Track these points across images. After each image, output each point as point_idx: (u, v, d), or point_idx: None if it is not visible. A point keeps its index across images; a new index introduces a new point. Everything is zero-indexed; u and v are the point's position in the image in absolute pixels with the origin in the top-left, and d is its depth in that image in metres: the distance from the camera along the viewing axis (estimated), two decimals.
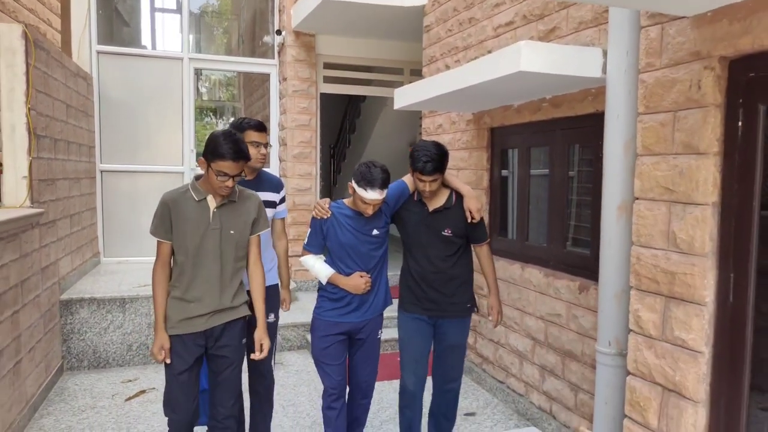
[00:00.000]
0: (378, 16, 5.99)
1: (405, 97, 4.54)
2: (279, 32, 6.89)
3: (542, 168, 4.15)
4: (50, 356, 4.62)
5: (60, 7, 6.63)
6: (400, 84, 7.17)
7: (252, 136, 3.15)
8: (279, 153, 7.32)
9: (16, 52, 4.14)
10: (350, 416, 3.34)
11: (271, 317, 3.28)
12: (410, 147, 3.20)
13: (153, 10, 8.62)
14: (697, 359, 2.00)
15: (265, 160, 3.27)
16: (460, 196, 3.22)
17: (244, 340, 2.94)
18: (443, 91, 3.84)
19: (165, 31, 8.39)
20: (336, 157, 11.39)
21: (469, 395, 4.52)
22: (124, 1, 8.29)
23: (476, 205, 3.16)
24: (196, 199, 2.71)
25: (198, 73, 7.74)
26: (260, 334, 2.90)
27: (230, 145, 2.59)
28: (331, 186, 11.41)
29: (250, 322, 2.96)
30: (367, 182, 2.91)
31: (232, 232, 2.76)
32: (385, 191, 2.98)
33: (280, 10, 7.01)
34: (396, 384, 3.86)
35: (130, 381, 4.79)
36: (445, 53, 5.19)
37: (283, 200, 3.42)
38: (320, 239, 3.12)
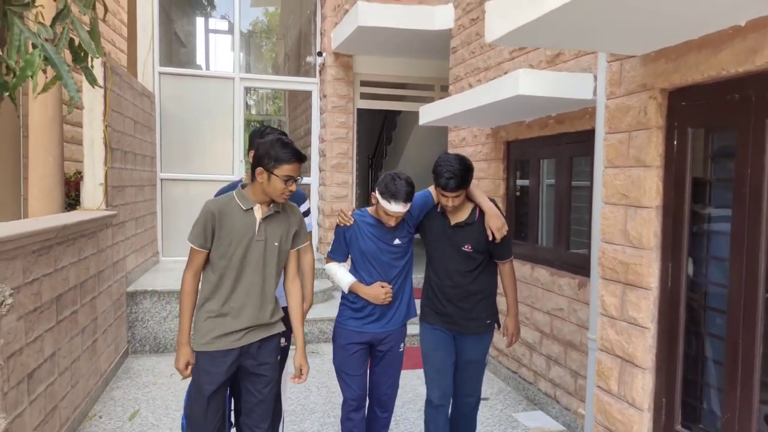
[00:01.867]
0: (409, 38, 6.54)
1: (429, 114, 5.07)
2: (320, 54, 7.54)
3: (550, 178, 4.60)
4: (118, 339, 5.32)
5: (127, 30, 7.47)
6: (431, 99, 7.70)
7: None
8: (319, 163, 7.95)
9: (96, 77, 4.87)
10: (369, 430, 3.29)
11: (282, 341, 3.05)
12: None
13: (207, 31, 9.45)
14: (645, 334, 2.45)
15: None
16: (483, 212, 3.11)
17: (279, 357, 2.85)
18: (460, 110, 4.35)
19: (218, 50, 9.20)
20: (374, 167, 11.98)
21: (485, 383, 4.90)
22: (182, 25, 9.12)
23: (497, 224, 3.02)
24: (243, 208, 2.63)
25: (247, 89, 8.46)
26: (300, 359, 2.77)
27: (290, 149, 2.56)
28: (369, 194, 12.01)
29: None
30: (390, 195, 2.87)
31: (276, 243, 2.67)
32: (409, 204, 2.93)
33: (321, 33, 7.66)
34: (420, 372, 4.29)
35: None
36: (469, 73, 5.69)
37: (305, 214, 3.16)
38: (343, 246, 3.12)
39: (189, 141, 7.65)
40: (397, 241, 3.08)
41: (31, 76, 2.00)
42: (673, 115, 2.35)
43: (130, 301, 5.68)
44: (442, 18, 6.14)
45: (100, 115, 4.90)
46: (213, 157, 7.73)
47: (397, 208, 2.88)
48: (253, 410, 2.74)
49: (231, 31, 8.33)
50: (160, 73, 7.48)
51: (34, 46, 2.05)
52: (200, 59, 9.67)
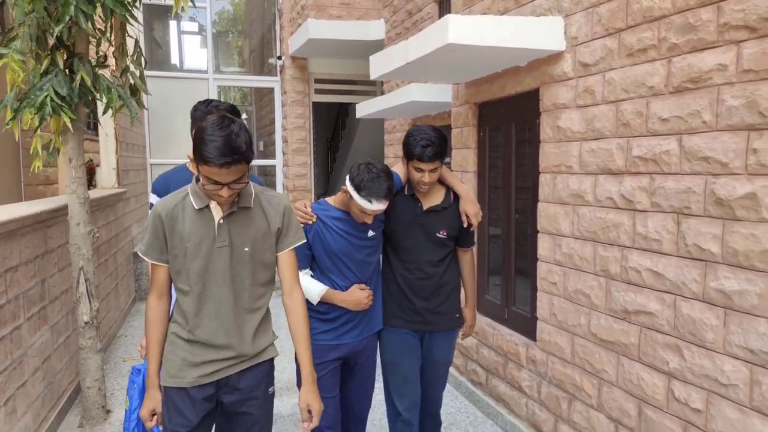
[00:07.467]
0: (352, 45, 8.16)
1: (363, 110, 6.75)
2: (280, 57, 9.11)
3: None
4: (129, 288, 6.92)
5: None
6: (374, 93, 9.37)
7: None
8: (282, 148, 9.56)
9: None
10: None
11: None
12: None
13: (180, 33, 10.90)
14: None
15: None
16: (457, 196, 2.85)
17: (271, 389, 2.25)
18: (381, 108, 6.04)
19: (191, 49, 10.66)
20: (332, 149, 13.62)
21: None
22: (158, 29, 10.55)
23: (474, 209, 2.78)
24: (196, 207, 2.04)
25: (219, 87, 9.99)
26: (306, 395, 2.16)
27: (218, 144, 1.87)
28: (328, 173, 13.66)
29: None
30: (371, 193, 2.41)
31: (246, 249, 2.08)
32: (390, 198, 2.50)
33: (281, 40, 9.22)
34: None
35: None
36: None
37: None
38: (306, 250, 2.54)
39: (171, 131, 9.17)
40: (371, 233, 2.65)
41: (111, 107, 3.61)
42: (480, 118, 4.08)
43: (136, 259, 7.26)
44: (376, 31, 7.78)
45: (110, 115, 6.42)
46: (190, 144, 9.22)
47: (378, 206, 2.46)
48: None
49: (201, 31, 9.81)
50: (146, 76, 8.93)
51: (109, 89, 3.65)
52: (175, 59, 11.12)
